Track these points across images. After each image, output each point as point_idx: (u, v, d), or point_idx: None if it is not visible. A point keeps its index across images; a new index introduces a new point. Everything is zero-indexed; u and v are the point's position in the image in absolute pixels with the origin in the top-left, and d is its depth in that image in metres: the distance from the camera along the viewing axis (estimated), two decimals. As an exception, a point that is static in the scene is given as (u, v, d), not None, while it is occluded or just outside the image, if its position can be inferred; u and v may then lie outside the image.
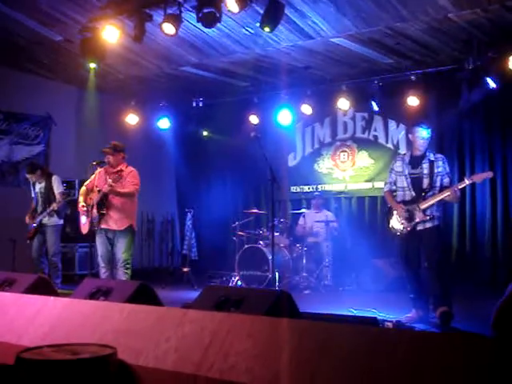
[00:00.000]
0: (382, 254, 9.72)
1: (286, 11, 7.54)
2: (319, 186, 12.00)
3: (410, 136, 7.27)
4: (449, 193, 6.67)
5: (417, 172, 6.93)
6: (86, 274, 8.80)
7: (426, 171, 6.87)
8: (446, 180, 6.89)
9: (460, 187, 6.79)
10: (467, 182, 6.77)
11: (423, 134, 6.89)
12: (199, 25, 7.53)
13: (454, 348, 2.27)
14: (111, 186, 7.09)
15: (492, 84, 9.00)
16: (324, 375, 2.43)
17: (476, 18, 7.87)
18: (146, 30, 7.79)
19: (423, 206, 6.77)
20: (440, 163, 6.89)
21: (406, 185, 6.97)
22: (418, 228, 6.83)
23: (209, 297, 3.68)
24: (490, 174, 7.24)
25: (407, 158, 7.07)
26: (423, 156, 6.94)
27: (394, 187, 7.16)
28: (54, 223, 8.91)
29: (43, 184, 8.99)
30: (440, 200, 6.79)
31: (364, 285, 9.76)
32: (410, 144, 7.42)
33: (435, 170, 6.84)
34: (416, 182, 6.90)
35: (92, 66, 9.06)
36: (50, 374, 2.55)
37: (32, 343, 3.18)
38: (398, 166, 7.11)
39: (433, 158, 6.92)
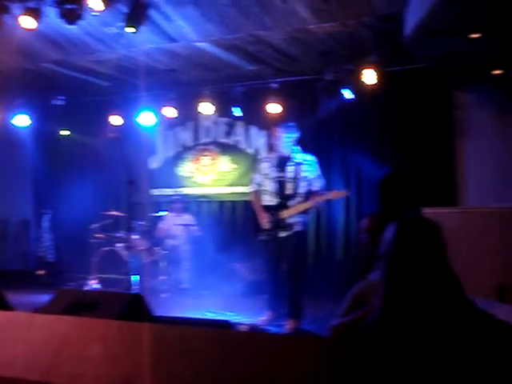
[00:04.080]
0: (241, 258, 9.84)
1: (151, 13, 7.47)
2: (180, 190, 11.98)
3: (273, 138, 7.08)
4: (310, 204, 6.57)
5: (282, 175, 6.69)
6: None
7: (290, 175, 6.64)
8: (317, 185, 6.71)
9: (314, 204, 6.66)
10: (322, 198, 6.67)
11: (285, 134, 6.70)
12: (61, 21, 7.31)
13: (305, 349, 2.35)
14: None
15: (348, 95, 9.33)
16: (178, 379, 2.44)
17: (335, 31, 8.15)
18: (3, 22, 7.46)
19: (285, 215, 6.60)
20: (307, 167, 6.68)
21: (271, 189, 6.73)
22: (280, 234, 6.67)
23: (61, 300, 3.60)
24: (344, 194, 7.13)
25: (273, 160, 6.84)
26: (288, 158, 6.71)
27: (262, 188, 6.92)
28: None
29: None
30: (304, 211, 6.67)
31: (222, 288, 9.81)
32: (272, 148, 7.25)
33: (301, 174, 6.63)
34: (280, 187, 6.67)
35: None
36: None
37: None
38: (263, 167, 6.89)
39: (299, 160, 6.69)
